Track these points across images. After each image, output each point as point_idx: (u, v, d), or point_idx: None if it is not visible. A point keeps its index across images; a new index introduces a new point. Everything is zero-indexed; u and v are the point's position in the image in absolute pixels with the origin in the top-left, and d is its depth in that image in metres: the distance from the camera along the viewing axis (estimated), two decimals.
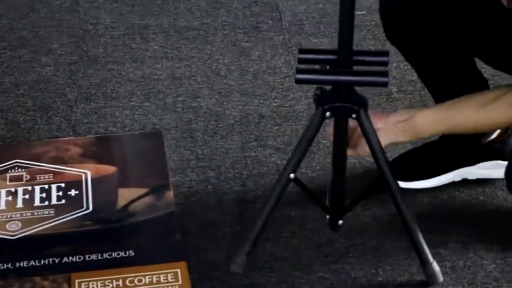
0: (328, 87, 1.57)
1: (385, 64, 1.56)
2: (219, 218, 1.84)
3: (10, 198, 2.06)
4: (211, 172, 2.00)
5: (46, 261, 1.89)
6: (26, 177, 2.10)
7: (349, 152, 1.73)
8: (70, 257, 1.89)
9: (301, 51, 1.58)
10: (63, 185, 2.08)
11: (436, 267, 1.61)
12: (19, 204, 2.04)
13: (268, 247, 1.69)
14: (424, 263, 1.61)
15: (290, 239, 1.74)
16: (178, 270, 1.77)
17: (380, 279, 1.63)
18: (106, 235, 1.98)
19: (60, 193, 2.06)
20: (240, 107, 2.20)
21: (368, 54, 1.61)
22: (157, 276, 1.79)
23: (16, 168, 2.11)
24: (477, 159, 2.03)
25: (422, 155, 2.08)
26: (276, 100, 2.19)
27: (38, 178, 2.10)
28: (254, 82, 2.31)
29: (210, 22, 2.67)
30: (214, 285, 1.65)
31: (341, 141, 1.61)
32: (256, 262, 1.64)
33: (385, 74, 1.53)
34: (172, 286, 1.74)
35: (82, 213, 2.01)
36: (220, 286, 1.66)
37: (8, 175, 2.11)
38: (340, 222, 1.67)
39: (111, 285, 1.78)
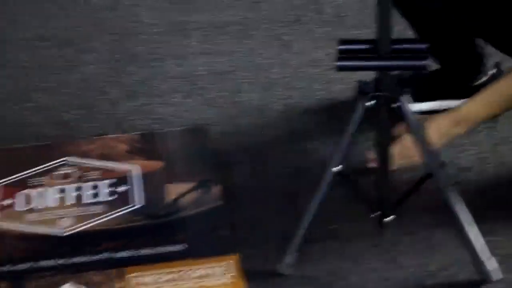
0: (370, 79, 1.59)
1: (424, 51, 1.56)
2: (266, 211, 1.85)
3: (61, 195, 2.08)
4: (257, 166, 2.01)
5: (99, 257, 1.93)
6: (76, 174, 2.13)
7: (397, 155, 1.73)
8: (122, 252, 1.93)
9: (341, 41, 1.58)
10: (111, 181, 2.12)
11: (491, 263, 1.59)
12: (70, 201, 2.07)
13: (318, 239, 1.69)
14: (476, 260, 1.59)
15: (339, 231, 1.75)
16: (230, 263, 1.78)
17: (432, 268, 1.63)
18: (156, 230, 2.01)
19: (109, 190, 2.09)
20: (283, 100, 2.21)
21: (407, 42, 1.60)
22: (209, 269, 1.81)
23: (65, 166, 2.14)
24: (464, 95, 2.11)
25: (420, 80, 2.14)
26: (318, 93, 2.20)
27: (87, 175, 2.13)
28: (296, 75, 2.32)
29: (251, 16, 2.68)
30: (266, 278, 1.66)
31: (384, 133, 1.62)
32: (307, 254, 1.64)
33: (423, 57, 1.54)
34: (224, 278, 1.76)
35: (132, 209, 2.05)
36: (272, 279, 1.67)
37: (57, 173, 2.13)
38: (388, 218, 1.67)
39: (164, 278, 1.81)
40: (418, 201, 1.77)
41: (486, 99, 1.88)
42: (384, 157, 1.64)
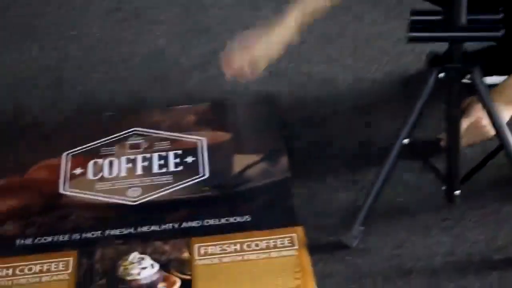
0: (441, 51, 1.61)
1: (499, 21, 1.54)
2: (333, 183, 1.85)
3: (130, 165, 2.12)
4: (324, 137, 2.00)
5: (166, 226, 1.95)
6: (144, 144, 2.16)
7: (466, 129, 1.72)
8: (189, 222, 1.95)
9: (413, 12, 1.57)
10: (180, 152, 2.13)
11: None
12: (139, 171, 2.10)
13: (384, 211, 1.69)
14: None
15: (406, 203, 1.75)
16: (295, 235, 1.78)
17: (500, 243, 1.61)
18: (223, 201, 2.02)
19: (178, 160, 2.11)
20: (351, 72, 2.21)
21: (481, 12, 1.57)
22: (274, 240, 1.80)
23: (135, 136, 2.17)
24: None
25: (491, 52, 2.11)
26: (388, 65, 2.20)
27: (156, 145, 2.15)
28: (367, 47, 2.32)
29: None
30: (330, 250, 1.66)
31: (455, 106, 1.60)
32: (372, 226, 1.64)
33: (498, 28, 1.51)
34: (289, 250, 1.76)
35: (199, 179, 2.06)
36: (337, 251, 1.67)
37: (127, 143, 2.17)
38: (457, 192, 1.66)
39: (229, 249, 1.81)
40: (487, 175, 1.77)
41: None
42: (454, 131, 1.63)
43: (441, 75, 1.55)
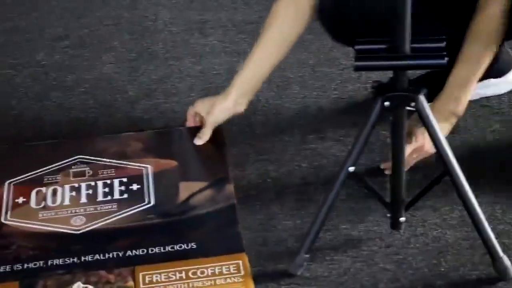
0: (386, 79, 1.63)
1: (442, 49, 1.56)
2: (279, 211, 1.85)
3: (74, 193, 2.07)
4: (270, 165, 2.01)
5: (111, 255, 1.90)
6: (89, 172, 2.12)
7: (410, 153, 1.79)
8: (134, 251, 1.91)
9: (359, 41, 1.58)
10: (125, 179, 2.10)
11: (506, 261, 1.61)
12: (83, 199, 2.06)
13: (329, 239, 1.71)
14: (494, 258, 1.61)
15: (351, 231, 1.76)
16: (240, 262, 1.76)
17: (442, 269, 1.64)
18: (168, 229, 2.01)
19: (123, 188, 2.07)
20: (299, 99, 2.23)
21: (425, 41, 1.59)
22: (219, 267, 1.78)
23: (79, 163, 2.13)
24: None
25: (433, 78, 2.16)
26: (335, 92, 2.22)
27: (100, 173, 2.12)
28: (313, 74, 2.34)
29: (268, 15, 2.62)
30: (275, 278, 1.67)
31: (400, 134, 1.62)
32: (318, 254, 1.66)
33: (442, 56, 1.53)
34: (234, 277, 1.74)
35: (144, 207, 2.03)
36: (281, 279, 1.68)
37: (71, 170, 2.13)
38: (402, 219, 1.68)
39: (174, 277, 1.78)
40: (431, 202, 1.81)
41: (463, 91, 1.92)
42: (399, 158, 1.65)
43: (386, 103, 1.55)
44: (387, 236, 1.73)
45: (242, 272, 1.75)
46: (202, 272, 1.80)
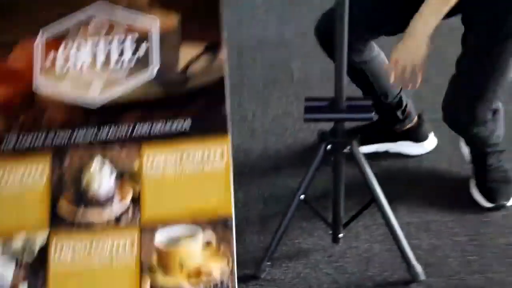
0: (328, 129, 1.88)
1: (370, 106, 1.83)
2: (246, 228, 2.12)
3: (92, 55, 1.98)
4: (240, 194, 2.25)
5: (121, 129, 1.90)
6: (105, 27, 2.00)
7: (392, 63, 1.92)
8: (141, 125, 1.90)
9: (307, 99, 1.85)
10: (135, 38, 1.99)
11: (418, 268, 1.89)
12: (101, 62, 1.98)
13: (285, 250, 1.99)
14: (409, 265, 1.88)
15: (302, 244, 2.04)
16: (225, 147, 1.75)
17: (370, 273, 1.94)
18: (170, 102, 1.94)
19: (133, 49, 1.98)
20: (262, 143, 2.52)
21: (357, 100, 1.89)
22: (208, 151, 1.79)
23: (95, 17, 1.98)
24: (398, 139, 2.43)
25: (364, 129, 2.38)
26: (289, 138, 2.51)
27: (115, 29, 2.01)
28: (273, 124, 2.63)
29: (238, 76, 2.92)
30: (244, 281, 1.94)
31: (339, 171, 1.88)
32: (276, 262, 1.94)
33: (370, 111, 1.80)
34: (218, 163, 1.75)
35: (149, 78, 1.94)
36: (248, 281, 1.95)
37: (91, 25, 1.99)
38: (340, 235, 1.95)
39: (173, 158, 1.80)
40: (361, 222, 2.06)
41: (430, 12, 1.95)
42: (338, 189, 1.90)
43: (328, 147, 1.82)
44: (329, 248, 2.01)
45: (226, 158, 1.74)
46: (192, 156, 1.79)
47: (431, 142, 2.44)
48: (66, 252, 1.76)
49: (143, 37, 1.97)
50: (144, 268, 1.72)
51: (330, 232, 1.96)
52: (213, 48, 1.90)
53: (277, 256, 1.98)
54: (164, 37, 1.97)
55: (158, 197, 1.79)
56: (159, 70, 1.94)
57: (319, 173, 1.96)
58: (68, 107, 1.92)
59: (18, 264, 1.76)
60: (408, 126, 2.45)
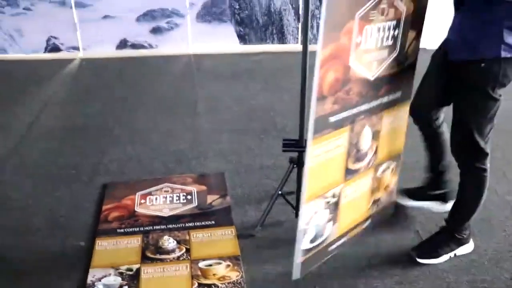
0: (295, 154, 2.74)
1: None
2: (248, 207, 3.08)
3: (377, 35, 2.14)
4: (241, 189, 3.21)
5: (378, 101, 2.35)
6: (386, 11, 2.13)
7: None
8: (385, 98, 2.38)
9: (284, 140, 2.73)
10: (395, 23, 2.19)
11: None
12: (378, 43, 2.18)
13: (269, 221, 2.95)
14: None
15: (279, 218, 2.99)
16: (407, 108, 2.57)
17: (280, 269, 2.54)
18: (398, 78, 2.37)
19: (392, 32, 2.21)
20: (243, 167, 3.42)
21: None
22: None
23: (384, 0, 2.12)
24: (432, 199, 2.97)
25: (416, 189, 2.97)
26: (271, 160, 3.48)
27: (389, 13, 2.15)
28: (260, 155, 3.61)
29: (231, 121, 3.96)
30: (245, 236, 2.86)
31: (301, 178, 2.55)
32: (264, 227, 2.90)
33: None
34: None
35: (394, 56, 2.28)
36: (247, 238, 2.86)
37: (380, 7, 2.09)
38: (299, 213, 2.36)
39: (391, 119, 2.51)
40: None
41: None
42: (300, 186, 2.67)
43: (295, 166, 2.66)
44: (294, 220, 2.85)
45: (405, 118, 2.56)
46: (398, 116, 2.51)
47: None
48: (349, 191, 2.51)
49: (397, 22, 2.15)
50: (372, 189, 2.69)
51: (294, 211, 2.94)
52: (418, 35, 2.28)
53: (265, 224, 2.96)
54: (405, 24, 2.19)
55: (385, 146, 2.52)
56: (398, 51, 2.22)
57: (290, 179, 2.94)
58: (361, 81, 2.16)
59: (328, 207, 2.41)
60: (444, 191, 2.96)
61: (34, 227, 3.09)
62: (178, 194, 3.34)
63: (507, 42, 2.18)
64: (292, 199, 3.03)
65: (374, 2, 2.02)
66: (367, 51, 2.11)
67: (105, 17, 5.74)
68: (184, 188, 3.41)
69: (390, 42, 2.18)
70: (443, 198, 2.95)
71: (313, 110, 2.04)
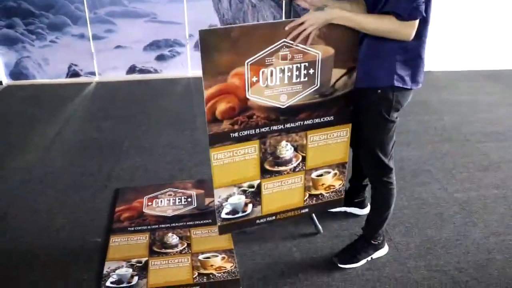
0: None
1: None
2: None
3: (281, 75, 2.24)
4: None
5: (296, 123, 2.42)
6: (289, 56, 2.20)
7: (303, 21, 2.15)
8: (307, 121, 2.43)
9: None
10: (307, 64, 2.25)
11: None
12: (285, 80, 2.27)
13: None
14: None
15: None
16: (347, 129, 2.54)
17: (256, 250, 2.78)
18: (323, 106, 2.39)
19: (305, 72, 2.25)
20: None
21: None
22: (338, 132, 2.54)
23: (284, 47, 2.20)
24: (353, 206, 3.14)
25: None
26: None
27: (295, 57, 2.23)
28: None
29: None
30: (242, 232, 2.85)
31: None
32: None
33: None
34: (343, 138, 2.59)
35: (314, 89, 2.32)
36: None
37: (280, 53, 2.21)
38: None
39: (323, 137, 2.49)
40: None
41: (348, 15, 2.14)
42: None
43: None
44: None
45: (347, 135, 2.54)
46: (332, 135, 2.51)
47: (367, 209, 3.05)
48: (269, 186, 2.63)
49: (311, 65, 2.21)
50: (305, 187, 2.71)
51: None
52: (351, 71, 2.27)
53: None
54: (323, 63, 2.22)
55: (314, 157, 2.56)
56: (319, 87, 2.24)
57: None
58: (267, 110, 2.29)
59: (246, 195, 2.63)
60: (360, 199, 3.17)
61: (58, 226, 3.23)
62: (180, 197, 3.40)
63: (399, 73, 2.25)
64: None
65: (269, 51, 2.18)
66: (270, 87, 2.26)
67: (117, 47, 6.15)
68: (185, 192, 3.46)
69: (304, 79, 2.28)
70: (361, 205, 3.16)
71: (208, 129, 2.32)
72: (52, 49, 6.03)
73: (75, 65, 6.14)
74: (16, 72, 6.13)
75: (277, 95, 2.29)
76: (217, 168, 2.44)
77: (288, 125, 2.41)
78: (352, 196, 3.11)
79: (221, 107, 2.26)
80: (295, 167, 2.59)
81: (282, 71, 2.22)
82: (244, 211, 2.69)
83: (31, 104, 5.46)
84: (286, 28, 2.14)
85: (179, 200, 3.36)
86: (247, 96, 2.25)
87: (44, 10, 5.89)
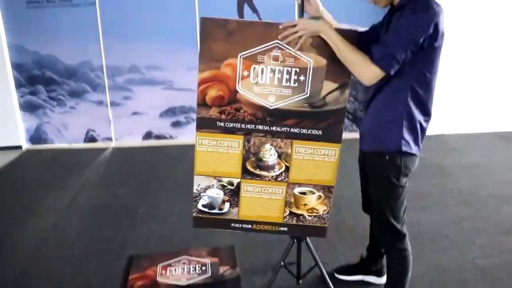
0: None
1: None
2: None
3: (271, 75, 2.25)
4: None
5: (283, 129, 2.36)
6: (281, 58, 2.23)
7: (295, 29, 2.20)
8: (294, 129, 2.35)
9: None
10: (297, 70, 2.26)
11: None
12: (275, 81, 2.28)
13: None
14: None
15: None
16: (337, 149, 2.39)
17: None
18: (312, 117, 2.32)
19: (295, 77, 2.25)
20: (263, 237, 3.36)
21: None
22: (327, 150, 2.37)
23: (277, 48, 2.24)
24: (371, 274, 3.09)
25: (355, 266, 3.09)
26: (274, 236, 2.99)
27: (286, 60, 2.25)
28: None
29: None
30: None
31: (300, 252, 2.53)
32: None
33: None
34: (331, 158, 2.42)
35: (303, 97, 2.28)
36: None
37: (272, 54, 2.25)
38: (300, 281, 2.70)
39: (309, 151, 2.38)
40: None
41: (334, 36, 2.17)
42: (299, 257, 2.64)
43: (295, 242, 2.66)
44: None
45: (336, 156, 2.39)
46: (319, 151, 2.38)
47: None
48: (249, 188, 2.55)
49: (303, 71, 2.19)
50: (286, 202, 2.56)
51: (295, 279, 2.99)
52: (343, 86, 2.22)
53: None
54: (314, 72, 2.20)
55: (298, 170, 2.44)
56: (308, 96, 2.20)
57: (291, 252, 2.93)
58: (253, 107, 2.28)
59: (224, 192, 2.57)
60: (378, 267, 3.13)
61: None
62: (194, 266, 3.37)
63: (406, 138, 2.29)
64: (293, 268, 3.14)
65: (262, 49, 2.25)
66: (259, 85, 2.31)
67: (134, 113, 6.51)
68: (200, 260, 3.45)
69: (294, 84, 2.30)
70: (379, 273, 3.12)
71: (197, 111, 2.42)
72: (71, 114, 6.31)
73: (93, 130, 6.42)
74: (36, 136, 6.40)
75: (265, 94, 2.33)
76: (200, 153, 2.50)
77: (274, 128, 2.42)
78: (369, 264, 3.13)
79: (212, 93, 2.35)
80: (277, 176, 2.56)
81: (273, 71, 2.27)
82: (221, 209, 2.69)
83: (48, 168, 5.65)
84: (280, 26, 2.22)
85: (193, 269, 3.35)
86: (237, 89, 2.32)
87: (66, 78, 6.19)
